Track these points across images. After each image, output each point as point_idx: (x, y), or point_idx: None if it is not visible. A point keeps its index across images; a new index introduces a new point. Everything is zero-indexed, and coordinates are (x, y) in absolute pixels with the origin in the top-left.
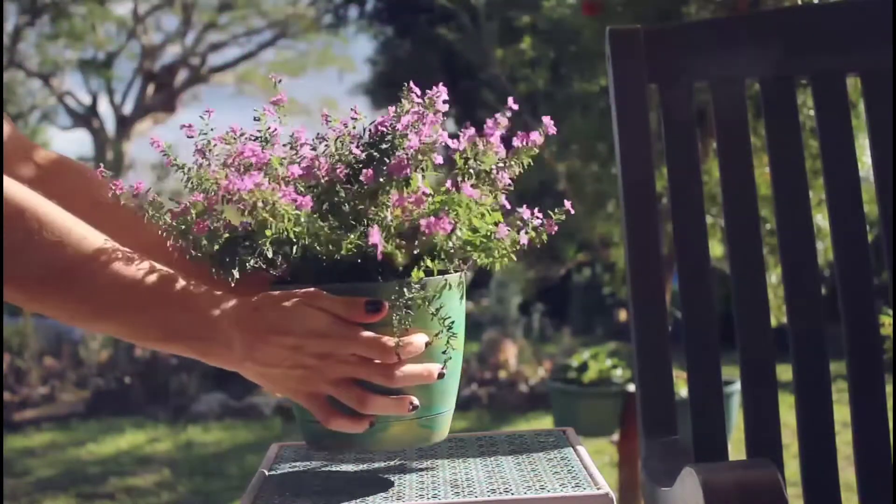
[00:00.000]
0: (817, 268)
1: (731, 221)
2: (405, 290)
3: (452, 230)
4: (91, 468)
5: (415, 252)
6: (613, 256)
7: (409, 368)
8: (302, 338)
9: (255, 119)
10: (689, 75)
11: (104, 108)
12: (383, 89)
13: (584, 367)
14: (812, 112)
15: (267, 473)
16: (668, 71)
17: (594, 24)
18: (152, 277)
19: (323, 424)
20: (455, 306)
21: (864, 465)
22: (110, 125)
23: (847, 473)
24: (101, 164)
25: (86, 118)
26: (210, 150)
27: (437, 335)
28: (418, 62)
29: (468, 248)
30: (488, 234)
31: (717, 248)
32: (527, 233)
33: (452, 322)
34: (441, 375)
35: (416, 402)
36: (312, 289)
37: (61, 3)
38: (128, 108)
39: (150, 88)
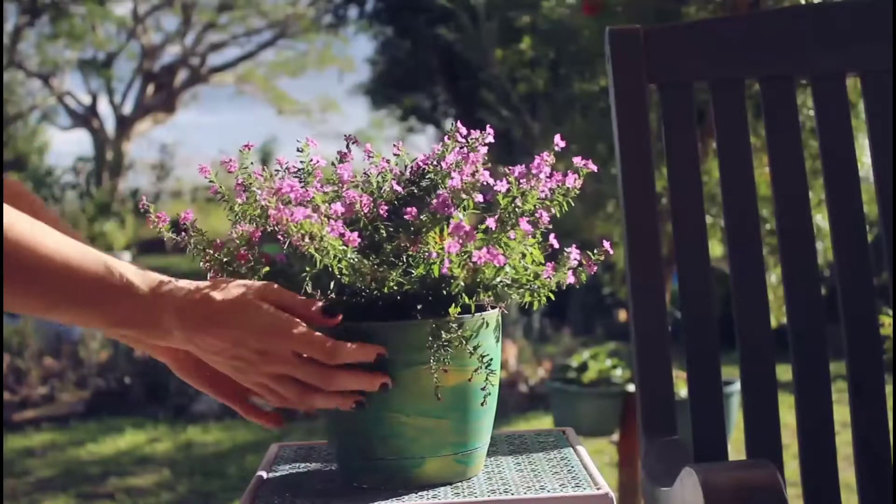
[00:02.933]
0: (817, 268)
1: (731, 221)
2: (444, 327)
3: (503, 265)
4: (91, 468)
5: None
6: (613, 256)
7: (347, 373)
8: (242, 332)
9: (297, 150)
10: (689, 75)
11: (104, 108)
12: (383, 89)
13: (584, 367)
14: (812, 112)
15: (266, 474)
16: (668, 71)
17: (594, 24)
18: (95, 268)
19: (271, 404)
20: (491, 344)
21: (864, 465)
22: (110, 125)
23: (847, 473)
24: (102, 164)
25: (86, 118)
26: (251, 185)
27: (476, 371)
28: (418, 62)
29: (515, 285)
30: (535, 273)
31: (717, 248)
32: (575, 275)
33: (491, 359)
34: (384, 386)
35: (362, 399)
36: (264, 283)
37: (61, 3)
38: (127, 108)
39: (150, 88)
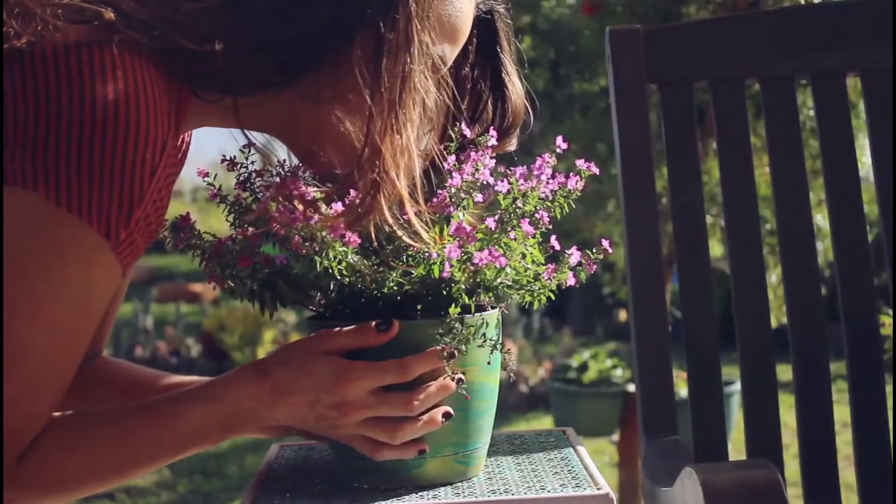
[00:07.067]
0: (817, 268)
1: (731, 221)
2: (444, 328)
3: (504, 266)
4: None
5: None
6: (613, 256)
7: (425, 390)
8: (313, 393)
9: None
10: (689, 75)
11: None
12: None
13: (584, 367)
14: (812, 112)
15: (266, 474)
16: (668, 71)
17: (594, 24)
18: (171, 419)
19: (372, 459)
20: (493, 340)
21: (864, 465)
22: None
23: (847, 473)
24: None
25: None
26: (252, 183)
27: (491, 352)
28: None
29: (515, 286)
30: (535, 274)
31: (716, 248)
32: (575, 275)
33: (501, 344)
34: (460, 381)
35: (447, 410)
36: (320, 332)
37: None
38: None
39: None
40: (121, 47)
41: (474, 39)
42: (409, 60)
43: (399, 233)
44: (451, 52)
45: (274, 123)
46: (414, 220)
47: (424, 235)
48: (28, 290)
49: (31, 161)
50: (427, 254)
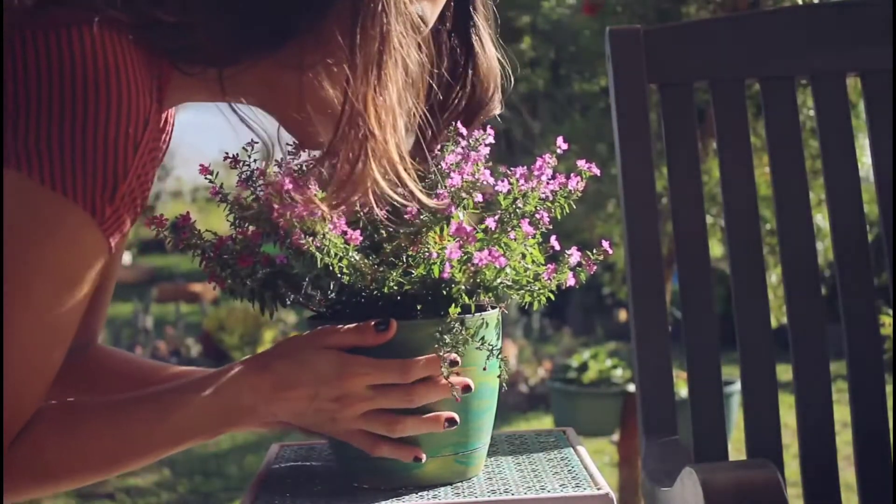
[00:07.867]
0: (817, 268)
1: (731, 221)
2: (445, 328)
3: (504, 267)
4: None
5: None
6: (613, 256)
7: (426, 386)
8: (314, 386)
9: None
10: (689, 75)
11: None
12: None
13: (584, 367)
14: (812, 112)
15: (267, 474)
16: (668, 71)
17: (594, 24)
18: (169, 413)
19: (370, 454)
20: (492, 342)
21: (864, 465)
22: None
23: (847, 473)
24: None
25: None
26: (254, 181)
27: (487, 358)
28: None
29: (515, 286)
30: (535, 274)
31: (717, 248)
32: (575, 276)
33: (499, 349)
34: (467, 388)
35: (452, 415)
36: (319, 328)
37: None
38: None
39: None
40: (100, 26)
41: (451, 3)
42: (385, 20)
43: (394, 197)
44: (430, 12)
45: (257, 92)
46: (405, 177)
47: (418, 193)
48: (15, 272)
49: (12, 142)
50: (427, 253)
